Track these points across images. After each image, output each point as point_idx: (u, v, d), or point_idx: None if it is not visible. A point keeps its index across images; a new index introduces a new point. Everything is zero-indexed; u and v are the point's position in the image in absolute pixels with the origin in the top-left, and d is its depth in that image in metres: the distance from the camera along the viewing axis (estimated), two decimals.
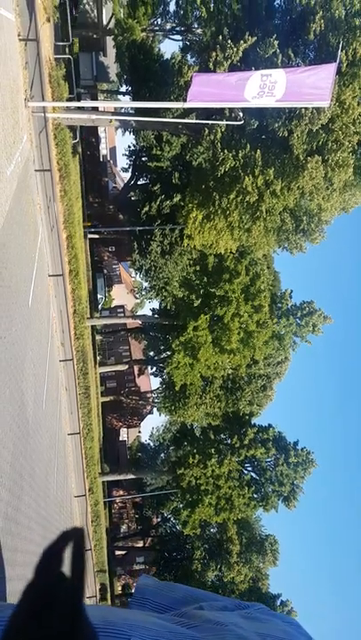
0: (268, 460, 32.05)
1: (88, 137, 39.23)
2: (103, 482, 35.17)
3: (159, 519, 47.49)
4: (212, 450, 31.09)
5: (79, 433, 25.16)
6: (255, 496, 31.51)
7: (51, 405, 16.24)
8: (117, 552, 48.25)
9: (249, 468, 32.80)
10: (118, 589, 47.85)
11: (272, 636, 0.99)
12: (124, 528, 54.90)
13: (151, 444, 48.84)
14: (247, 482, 31.38)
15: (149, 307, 43.33)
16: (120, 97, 38.43)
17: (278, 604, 34.20)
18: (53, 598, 0.72)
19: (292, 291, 32.51)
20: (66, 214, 20.98)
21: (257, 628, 1.00)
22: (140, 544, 51.21)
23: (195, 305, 28.45)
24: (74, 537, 0.79)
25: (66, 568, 0.77)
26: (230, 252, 25.87)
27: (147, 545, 48.78)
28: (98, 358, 39.93)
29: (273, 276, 32.00)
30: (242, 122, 18.70)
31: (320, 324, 31.63)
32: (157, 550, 42.15)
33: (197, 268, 29.05)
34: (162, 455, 42.20)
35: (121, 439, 58.34)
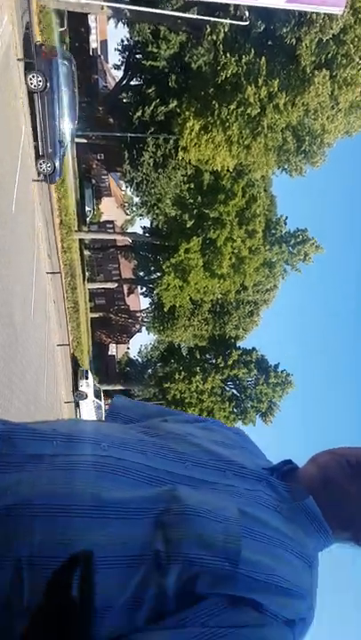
0: (250, 379, 33.23)
1: (77, 26, 35.52)
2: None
3: None
4: (198, 368, 32.08)
5: (68, 345, 25.53)
6: (235, 410, 33.02)
7: (39, 316, 16.34)
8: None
9: (231, 386, 34.06)
10: None
11: (221, 441, 1.21)
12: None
13: (139, 359, 49.94)
14: (228, 398, 32.79)
15: (140, 224, 42.10)
16: None
17: None
18: (63, 622, 0.74)
19: (287, 217, 31.78)
20: None
21: (209, 437, 1.22)
22: None
23: (187, 226, 27.85)
24: (82, 561, 0.80)
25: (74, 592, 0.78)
26: (227, 170, 24.94)
27: None
28: (87, 274, 39.66)
29: (270, 201, 31.14)
30: (247, 23, 17.26)
31: (312, 253, 31.32)
32: None
33: (192, 185, 28.07)
34: (149, 370, 43.25)
35: (110, 354, 59.52)
